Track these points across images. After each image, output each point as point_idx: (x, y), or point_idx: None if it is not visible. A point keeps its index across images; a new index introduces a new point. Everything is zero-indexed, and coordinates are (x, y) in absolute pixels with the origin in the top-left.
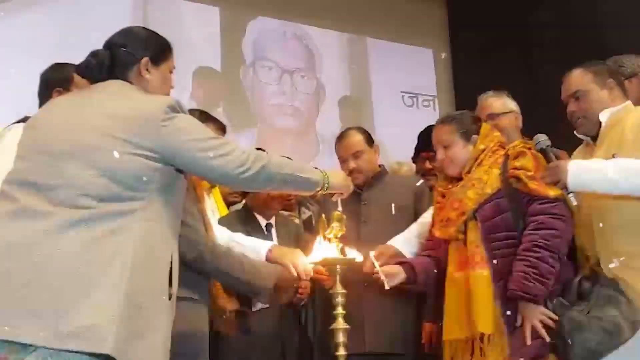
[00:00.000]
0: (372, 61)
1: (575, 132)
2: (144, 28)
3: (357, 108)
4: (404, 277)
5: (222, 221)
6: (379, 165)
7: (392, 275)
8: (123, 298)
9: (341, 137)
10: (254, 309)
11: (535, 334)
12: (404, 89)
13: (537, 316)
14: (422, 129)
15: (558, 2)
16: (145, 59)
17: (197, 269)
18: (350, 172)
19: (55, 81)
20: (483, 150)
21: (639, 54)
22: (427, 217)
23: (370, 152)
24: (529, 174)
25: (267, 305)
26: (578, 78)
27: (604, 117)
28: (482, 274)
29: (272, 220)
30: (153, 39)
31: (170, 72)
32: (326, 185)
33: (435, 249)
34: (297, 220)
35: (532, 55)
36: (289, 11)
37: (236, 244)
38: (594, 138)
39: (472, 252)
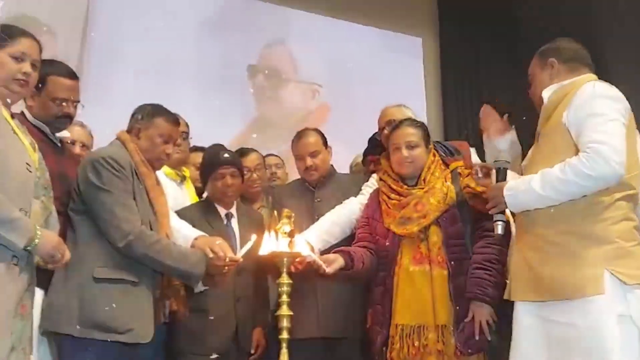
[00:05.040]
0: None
1: None
2: None
3: None
4: (342, 263)
5: (184, 211)
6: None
7: (330, 262)
8: None
9: (300, 137)
10: (196, 291)
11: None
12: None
13: (487, 316)
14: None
15: None
16: None
17: (128, 255)
18: (307, 169)
19: None
20: (433, 161)
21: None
22: (335, 216)
23: (325, 153)
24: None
25: (207, 287)
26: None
27: None
28: (442, 272)
29: (233, 210)
30: None
31: (15, 57)
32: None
33: (370, 241)
34: (262, 211)
35: (518, 48)
36: None
37: (175, 231)
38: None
39: (435, 252)
